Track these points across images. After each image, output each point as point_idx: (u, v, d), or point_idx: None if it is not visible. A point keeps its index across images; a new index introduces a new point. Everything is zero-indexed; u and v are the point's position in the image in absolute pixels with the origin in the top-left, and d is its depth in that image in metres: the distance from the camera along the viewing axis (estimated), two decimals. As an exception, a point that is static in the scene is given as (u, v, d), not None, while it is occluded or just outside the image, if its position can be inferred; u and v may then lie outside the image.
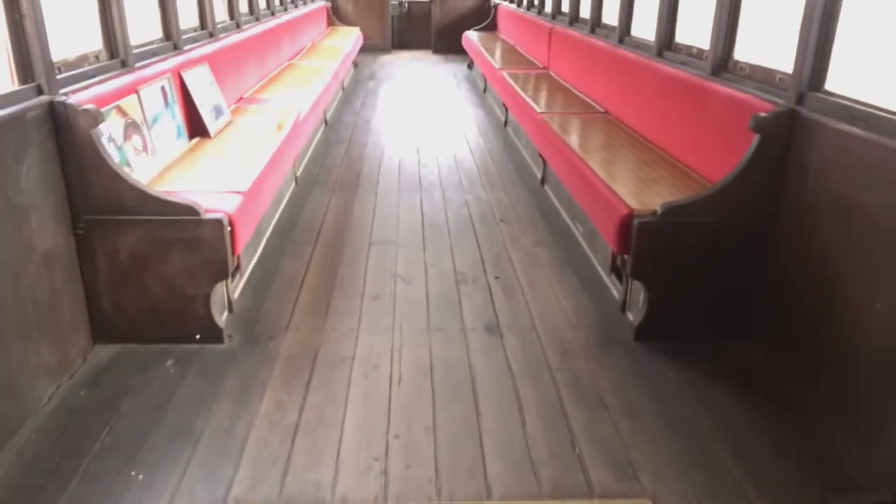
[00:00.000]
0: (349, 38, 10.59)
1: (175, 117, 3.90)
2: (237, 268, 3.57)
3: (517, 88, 6.33)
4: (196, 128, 4.20)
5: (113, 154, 3.06)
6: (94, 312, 3.04)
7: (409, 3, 13.95)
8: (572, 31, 6.70)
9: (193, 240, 2.96)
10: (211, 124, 4.26)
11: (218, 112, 4.46)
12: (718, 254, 3.13)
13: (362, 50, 12.06)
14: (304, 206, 5.03)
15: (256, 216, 3.50)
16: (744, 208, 3.05)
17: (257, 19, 6.85)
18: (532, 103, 5.63)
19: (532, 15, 8.96)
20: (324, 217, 4.81)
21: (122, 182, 2.88)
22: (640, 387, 2.92)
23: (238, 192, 3.27)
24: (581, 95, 6.00)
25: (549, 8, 8.13)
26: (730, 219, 3.07)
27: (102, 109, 3.04)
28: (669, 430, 2.66)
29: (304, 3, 10.14)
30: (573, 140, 4.52)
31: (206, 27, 5.16)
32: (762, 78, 3.33)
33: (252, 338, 3.22)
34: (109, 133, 3.09)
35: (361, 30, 12.41)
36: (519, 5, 10.23)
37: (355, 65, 11.46)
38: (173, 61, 4.11)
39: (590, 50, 5.92)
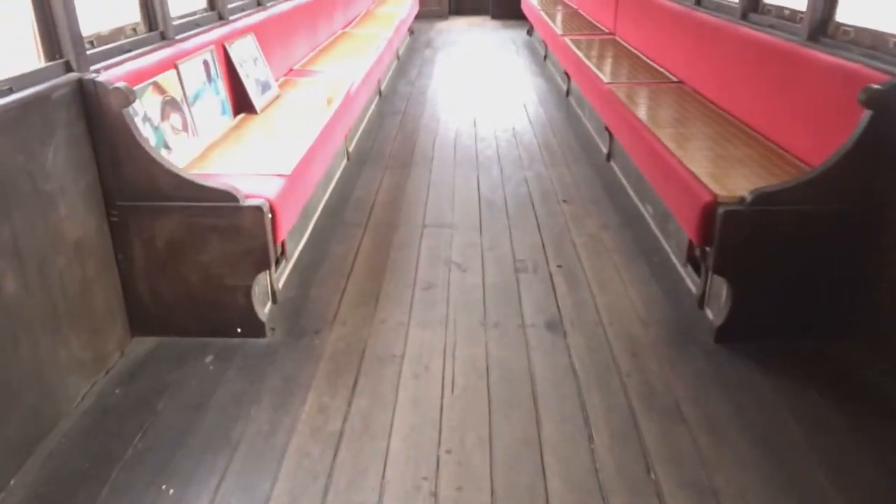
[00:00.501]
0: (404, 4, 10.24)
1: (219, 93, 3.69)
2: (282, 254, 3.37)
3: (581, 55, 5.91)
4: (241, 103, 3.99)
5: (149, 135, 2.87)
6: (131, 304, 2.89)
7: (466, -34, 13.47)
8: (642, -7, 6.21)
9: (232, 227, 2.76)
10: (257, 99, 4.04)
11: (265, 86, 4.24)
12: (816, 245, 2.75)
13: (419, 16, 11.70)
14: (355, 183, 4.80)
15: (301, 200, 3.27)
16: (849, 194, 2.66)
17: (308, -14, 6.58)
18: (597, 72, 5.23)
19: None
20: (376, 196, 4.57)
21: (157, 166, 2.68)
22: (721, 395, 2.59)
23: (281, 175, 3.04)
24: (651, 63, 5.55)
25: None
26: (832, 206, 2.69)
27: (137, 87, 2.85)
28: (757, 448, 2.34)
29: (359, -31, 9.82)
30: (643, 113, 4.13)
31: (255, -5, 4.93)
32: (872, 43, 2.89)
33: (296, 331, 3.02)
34: (145, 112, 2.89)
35: (418, -4, 12.06)
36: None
37: (411, 32, 11.12)
38: (217, 32, 3.89)
39: (662, 13, 5.45)
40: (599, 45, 6.58)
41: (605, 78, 5.03)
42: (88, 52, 2.71)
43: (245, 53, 4.12)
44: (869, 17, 3.08)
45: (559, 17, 8.60)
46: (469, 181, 4.82)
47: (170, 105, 3.13)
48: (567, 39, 6.81)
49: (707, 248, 2.87)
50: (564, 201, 4.45)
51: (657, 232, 3.90)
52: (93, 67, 2.69)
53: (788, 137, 3.33)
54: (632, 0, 6.46)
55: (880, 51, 2.83)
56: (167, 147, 3.02)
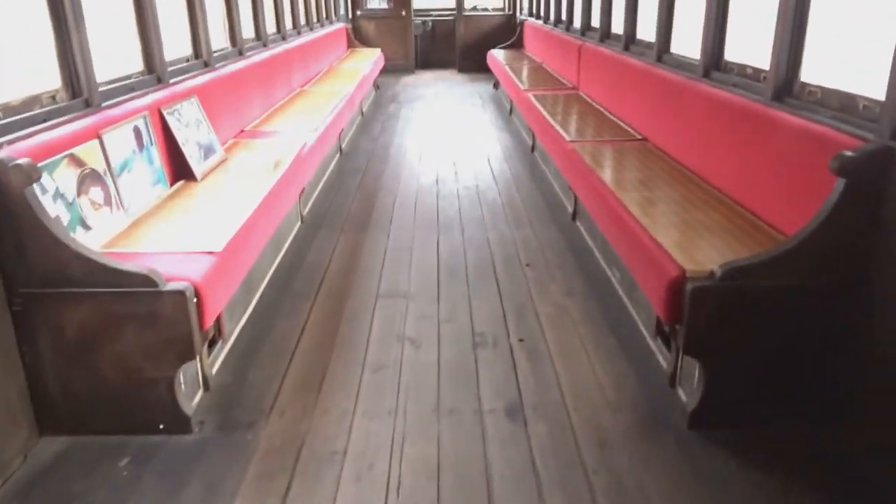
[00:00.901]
0: (369, 59, 10.18)
1: (153, 161, 3.44)
2: (219, 333, 3.09)
3: (545, 113, 5.78)
4: (181, 170, 3.74)
5: (61, 213, 2.60)
6: (39, 401, 2.57)
7: (432, 21, 13.54)
8: (604, 49, 6.14)
9: (151, 315, 2.47)
10: (197, 166, 3.79)
11: (208, 151, 4.00)
12: (793, 323, 2.53)
13: (385, 71, 11.66)
14: (308, 249, 4.53)
15: (235, 278, 3.00)
16: (826, 268, 2.46)
17: (265, 45, 6.42)
18: (561, 131, 5.07)
19: (560, 32, 8.42)
20: (329, 263, 4.30)
21: (66, 249, 2.40)
22: (697, 494, 2.33)
23: (211, 253, 2.78)
24: (615, 119, 5.43)
25: (578, 23, 7.59)
26: (808, 280, 2.48)
27: (48, 161, 2.60)
28: (739, 559, 2.07)
29: (321, 26, 9.74)
30: (607, 175, 3.96)
31: (201, 56, 4.73)
32: (840, 105, 2.74)
33: (228, 424, 2.71)
34: (56, 188, 2.62)
35: (384, 50, 12.04)
36: (546, 21, 9.70)
37: (377, 87, 11.04)
38: (152, 97, 3.66)
39: (623, 69, 5.36)
40: (564, 100, 6.48)
41: (569, 136, 4.88)
42: (-8, 125, 2.47)
43: (186, 117, 3.88)
44: (833, 78, 2.94)
45: (524, 72, 8.56)
46: (428, 244, 4.58)
47: (90, 178, 2.87)
48: (531, 95, 6.70)
49: (676, 326, 2.64)
50: (528, 265, 4.22)
51: (625, 299, 3.68)
52: (-4, 141, 2.43)
53: (758, 203, 3.15)
54: (594, 56, 6.40)
55: (849, 113, 2.67)
56: (85, 225, 2.75)
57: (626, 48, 5.56)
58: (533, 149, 6.99)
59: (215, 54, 4.98)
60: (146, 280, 2.44)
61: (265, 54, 6.13)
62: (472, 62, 12.81)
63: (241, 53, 5.59)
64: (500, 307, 3.68)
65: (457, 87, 11.62)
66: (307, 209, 5.22)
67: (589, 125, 5.33)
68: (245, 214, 3.20)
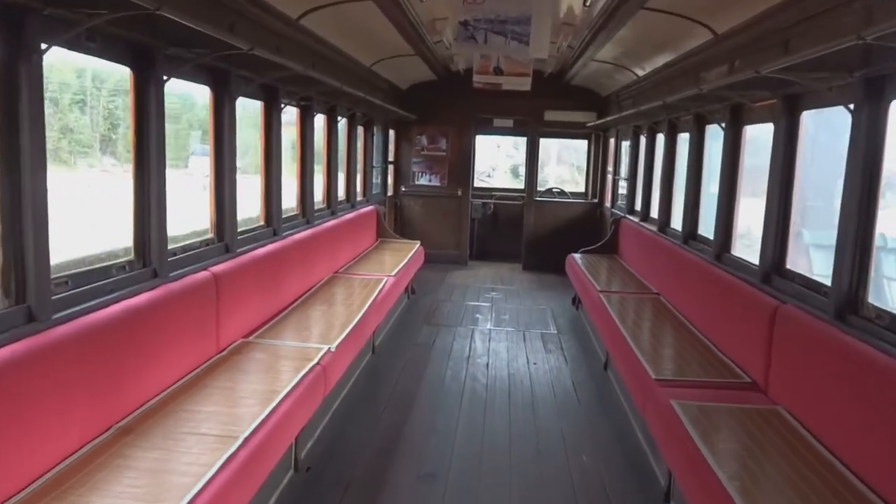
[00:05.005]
0: (400, 260, 7.10)
1: None
2: None
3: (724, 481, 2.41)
4: None
5: None
6: None
7: (494, 204, 10.72)
8: (859, 343, 2.83)
9: None
10: None
11: None
12: None
13: (430, 261, 8.71)
14: None
15: None
16: None
17: (201, 261, 3.37)
18: None
19: (702, 258, 5.08)
20: None
21: None
22: None
23: None
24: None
25: (747, 254, 4.36)
26: None
27: None
28: None
29: (333, 215, 6.78)
30: None
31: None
32: None
33: None
34: None
35: (431, 237, 9.44)
36: (663, 230, 6.52)
37: (411, 293, 7.97)
38: None
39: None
40: (754, 429, 3.11)
41: None
42: None
43: None
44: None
45: (633, 318, 5.27)
46: None
47: None
48: (676, 406, 3.33)
49: None
50: None
51: None
52: None
53: None
54: (821, 346, 3.08)
55: None
56: None
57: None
58: (668, 495, 3.55)
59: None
60: None
61: (187, 281, 3.08)
62: (542, 259, 9.79)
63: (155, 280, 2.49)
64: None
65: (522, 295, 8.41)
66: None
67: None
68: None
